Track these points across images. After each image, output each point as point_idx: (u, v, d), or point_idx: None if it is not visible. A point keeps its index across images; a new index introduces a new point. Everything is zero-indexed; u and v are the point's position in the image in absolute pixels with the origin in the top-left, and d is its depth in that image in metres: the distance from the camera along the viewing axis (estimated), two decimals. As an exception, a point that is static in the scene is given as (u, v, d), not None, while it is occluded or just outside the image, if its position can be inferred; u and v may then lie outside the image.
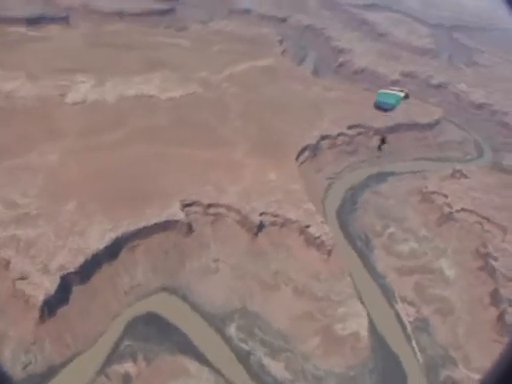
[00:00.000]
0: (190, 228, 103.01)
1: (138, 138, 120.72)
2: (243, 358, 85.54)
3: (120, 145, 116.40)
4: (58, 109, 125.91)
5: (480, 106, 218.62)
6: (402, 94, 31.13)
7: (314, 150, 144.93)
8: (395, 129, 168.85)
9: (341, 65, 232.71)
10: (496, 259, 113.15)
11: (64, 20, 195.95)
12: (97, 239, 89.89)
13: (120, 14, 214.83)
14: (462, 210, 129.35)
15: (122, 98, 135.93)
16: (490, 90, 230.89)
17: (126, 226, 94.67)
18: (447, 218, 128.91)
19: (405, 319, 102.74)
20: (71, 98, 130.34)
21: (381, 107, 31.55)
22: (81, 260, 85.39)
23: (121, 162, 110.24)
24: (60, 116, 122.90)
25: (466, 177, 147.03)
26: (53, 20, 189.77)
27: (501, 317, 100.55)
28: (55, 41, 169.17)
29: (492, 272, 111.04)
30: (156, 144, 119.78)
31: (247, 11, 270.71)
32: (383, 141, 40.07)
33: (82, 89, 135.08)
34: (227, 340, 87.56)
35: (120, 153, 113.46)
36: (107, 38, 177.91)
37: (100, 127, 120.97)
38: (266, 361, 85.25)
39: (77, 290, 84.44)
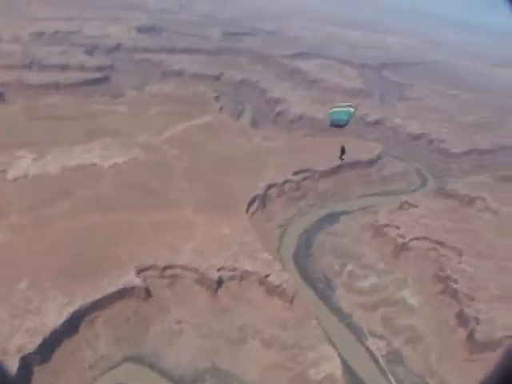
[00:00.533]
0: (148, 293, 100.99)
1: (85, 208, 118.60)
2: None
3: (67, 216, 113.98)
4: (0, 186, 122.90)
5: (417, 137, 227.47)
6: (352, 110, 32.78)
7: (262, 199, 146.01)
8: (339, 169, 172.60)
9: (278, 114, 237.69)
10: (456, 281, 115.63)
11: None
12: (54, 315, 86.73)
13: (55, 86, 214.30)
14: (415, 238, 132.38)
15: (64, 169, 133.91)
16: (424, 121, 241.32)
17: (83, 299, 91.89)
18: (402, 248, 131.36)
19: (377, 354, 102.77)
20: (12, 174, 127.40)
21: (336, 124, 33.05)
22: (39, 339, 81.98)
23: (70, 234, 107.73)
24: (3, 193, 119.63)
25: (414, 206, 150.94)
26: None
27: (470, 336, 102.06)
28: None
29: (454, 294, 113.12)
30: (104, 212, 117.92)
31: (180, 72, 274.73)
32: (343, 151, 41.53)
33: (23, 163, 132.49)
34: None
35: (68, 225, 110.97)
36: (44, 111, 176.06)
37: (45, 200, 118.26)
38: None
39: (39, 370, 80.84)
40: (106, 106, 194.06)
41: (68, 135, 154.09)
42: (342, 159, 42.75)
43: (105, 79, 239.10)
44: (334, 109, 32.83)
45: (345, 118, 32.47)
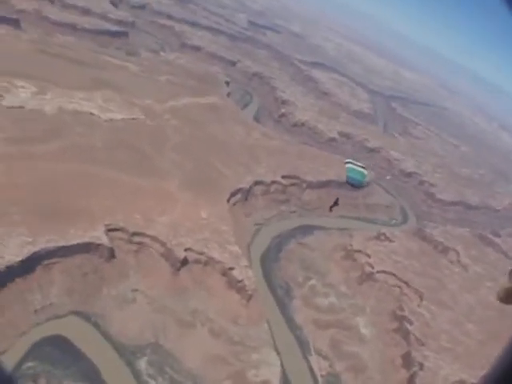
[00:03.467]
0: (112, 254, 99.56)
1: (72, 154, 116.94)
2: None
3: (52, 158, 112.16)
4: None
5: (409, 175, 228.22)
6: (366, 172, 33.90)
7: (246, 193, 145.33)
8: (326, 185, 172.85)
9: (282, 115, 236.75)
10: (411, 323, 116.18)
11: (14, 22, 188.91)
12: (14, 250, 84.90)
13: (73, 28, 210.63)
14: (383, 271, 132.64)
15: (61, 110, 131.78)
16: (421, 161, 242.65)
17: (47, 242, 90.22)
18: (368, 277, 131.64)
19: (317, 372, 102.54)
20: (9, 101, 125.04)
21: (351, 183, 34.04)
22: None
23: (51, 176, 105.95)
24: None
25: (389, 240, 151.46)
26: (3, 20, 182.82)
27: (411, 379, 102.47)
28: (1, 41, 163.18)
29: (406, 335, 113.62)
30: (89, 163, 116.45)
31: (198, 48, 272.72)
32: (336, 202, 42.96)
33: (22, 94, 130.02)
34: (136, 374, 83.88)
35: (51, 166, 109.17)
36: (56, 48, 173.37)
37: (34, 136, 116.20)
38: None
39: (-17, 301, 79.36)
40: (118, 60, 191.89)
41: (73, 78, 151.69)
42: (332, 210, 44.18)
43: (123, 34, 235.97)
44: (349, 165, 33.20)
45: (361, 179, 33.67)
